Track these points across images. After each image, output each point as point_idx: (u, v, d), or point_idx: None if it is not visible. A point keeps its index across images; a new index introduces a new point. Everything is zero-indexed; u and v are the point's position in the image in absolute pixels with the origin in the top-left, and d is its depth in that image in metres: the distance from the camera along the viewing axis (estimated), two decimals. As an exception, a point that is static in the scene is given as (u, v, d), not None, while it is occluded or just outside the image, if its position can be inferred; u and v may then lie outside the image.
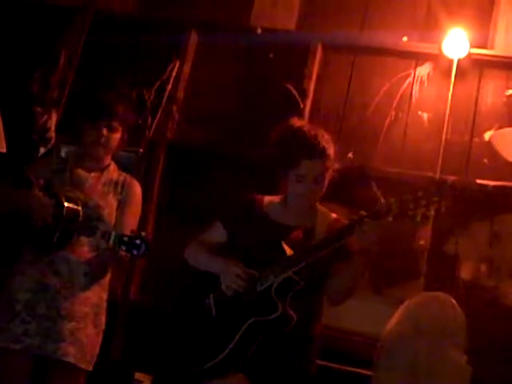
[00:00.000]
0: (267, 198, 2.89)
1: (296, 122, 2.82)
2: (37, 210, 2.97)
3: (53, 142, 4.59)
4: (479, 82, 4.42)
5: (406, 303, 3.30)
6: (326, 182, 2.77)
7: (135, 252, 2.76)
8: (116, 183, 3.23)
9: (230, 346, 2.61)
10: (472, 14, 4.51)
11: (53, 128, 4.58)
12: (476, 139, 4.32)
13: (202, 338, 2.72)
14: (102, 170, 3.23)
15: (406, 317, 3.19)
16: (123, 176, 3.27)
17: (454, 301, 3.20)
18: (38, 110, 4.59)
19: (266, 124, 2.88)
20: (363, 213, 2.53)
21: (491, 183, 4.13)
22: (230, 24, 4.83)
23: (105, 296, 3.17)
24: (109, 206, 3.15)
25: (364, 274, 2.74)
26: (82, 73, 4.83)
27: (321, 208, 2.85)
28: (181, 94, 4.74)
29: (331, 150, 2.74)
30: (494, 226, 4.08)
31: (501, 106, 4.36)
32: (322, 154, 2.71)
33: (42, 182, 3.09)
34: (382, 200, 2.50)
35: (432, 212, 2.43)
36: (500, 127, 4.26)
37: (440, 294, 3.32)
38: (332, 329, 3.73)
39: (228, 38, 4.73)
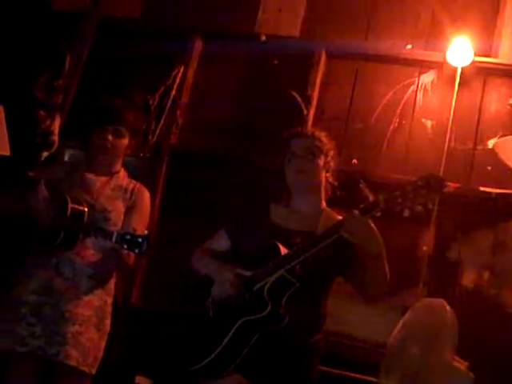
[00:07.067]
0: (273, 203, 2.90)
1: None
2: (41, 211, 2.98)
3: (56, 145, 4.62)
4: (483, 90, 4.42)
5: (409, 310, 3.29)
6: (321, 163, 2.81)
7: (137, 250, 2.77)
8: (125, 190, 3.24)
9: (223, 345, 2.61)
10: (476, 23, 4.50)
11: (56, 132, 4.59)
12: (479, 147, 4.31)
13: (199, 338, 2.73)
14: (112, 175, 3.25)
15: (404, 324, 3.17)
16: (133, 183, 3.29)
17: (448, 306, 3.17)
18: (42, 113, 4.61)
19: (269, 131, 2.89)
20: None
21: (494, 191, 4.13)
22: (234, 31, 4.83)
23: (109, 300, 3.17)
24: (116, 210, 3.16)
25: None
26: (87, 78, 4.86)
27: (326, 210, 2.86)
28: (185, 100, 4.75)
29: (322, 136, 2.86)
30: (497, 233, 4.07)
31: (504, 114, 4.35)
32: (309, 134, 2.88)
33: (46, 183, 3.09)
34: (371, 197, 2.50)
35: (419, 207, 2.41)
36: (504, 135, 4.24)
37: (434, 300, 3.30)
38: (334, 334, 3.72)
39: (232, 44, 4.73)
